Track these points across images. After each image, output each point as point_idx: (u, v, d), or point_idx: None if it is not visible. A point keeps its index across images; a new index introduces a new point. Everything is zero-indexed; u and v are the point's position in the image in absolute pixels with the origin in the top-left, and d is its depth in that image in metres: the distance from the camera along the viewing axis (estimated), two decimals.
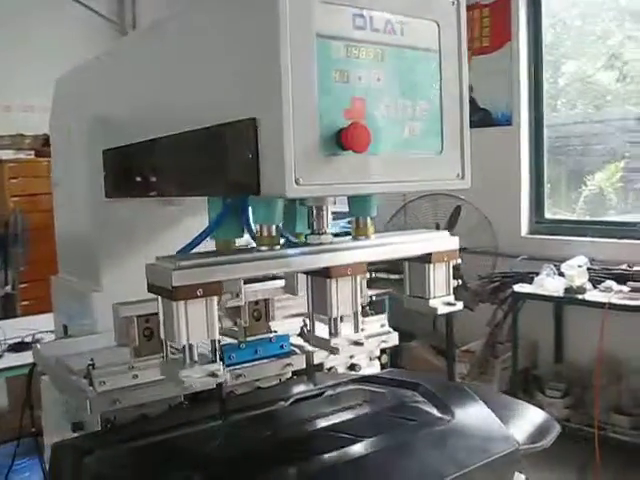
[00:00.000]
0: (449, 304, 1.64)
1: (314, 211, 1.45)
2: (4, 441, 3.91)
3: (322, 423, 1.53)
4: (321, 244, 1.44)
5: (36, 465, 3.84)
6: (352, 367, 1.92)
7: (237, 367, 1.69)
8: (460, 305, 1.68)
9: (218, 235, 1.52)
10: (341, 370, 1.93)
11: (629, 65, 5.31)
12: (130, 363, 1.59)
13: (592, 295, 4.28)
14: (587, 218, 5.45)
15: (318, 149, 1.19)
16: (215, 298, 1.30)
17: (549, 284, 4.38)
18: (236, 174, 1.26)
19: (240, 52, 1.23)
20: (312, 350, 1.82)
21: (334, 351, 1.49)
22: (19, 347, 3.51)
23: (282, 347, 1.79)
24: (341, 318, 1.49)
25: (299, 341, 1.84)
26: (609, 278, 4.36)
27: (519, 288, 4.54)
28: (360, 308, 1.50)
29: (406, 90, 1.33)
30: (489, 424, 1.50)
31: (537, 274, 4.52)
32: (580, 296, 4.30)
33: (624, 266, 4.48)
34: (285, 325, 1.88)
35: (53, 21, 7.13)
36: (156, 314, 1.57)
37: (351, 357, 1.92)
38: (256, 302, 1.75)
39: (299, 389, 1.77)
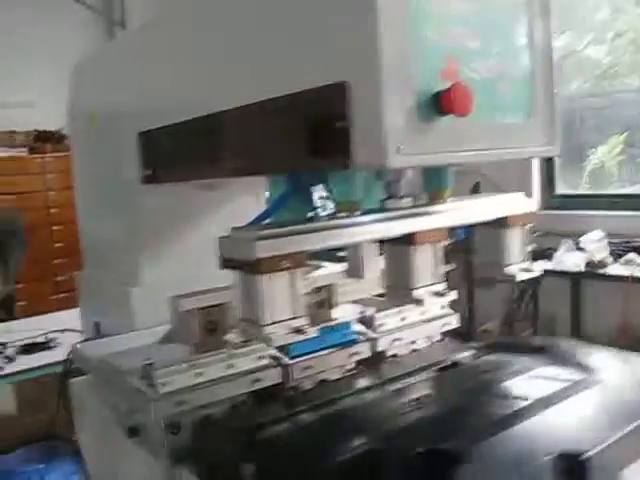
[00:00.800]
0: (526, 270, 1.57)
1: (391, 175, 1.35)
2: (17, 445, 3.81)
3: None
4: (400, 209, 1.34)
5: (52, 470, 3.73)
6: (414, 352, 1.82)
7: (301, 359, 1.57)
8: (540, 269, 1.59)
9: (282, 217, 1.41)
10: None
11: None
12: (191, 360, 1.46)
13: (614, 269, 4.18)
14: (600, 192, 5.35)
15: (416, 114, 1.07)
16: (300, 271, 1.19)
17: (569, 259, 4.26)
18: (324, 146, 1.11)
19: (325, 10, 1.12)
20: (376, 336, 1.71)
21: (418, 302, 1.39)
22: (31, 348, 3.36)
23: (345, 335, 1.68)
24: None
25: (359, 327, 1.75)
26: (630, 251, 4.26)
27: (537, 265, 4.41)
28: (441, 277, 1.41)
29: (499, 50, 1.22)
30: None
31: (555, 250, 4.42)
32: (601, 270, 4.20)
33: None
34: (339, 311, 1.77)
35: (41, 15, 6.92)
36: (219, 305, 1.48)
37: (413, 342, 1.82)
38: (318, 289, 1.64)
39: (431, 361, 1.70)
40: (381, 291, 1.85)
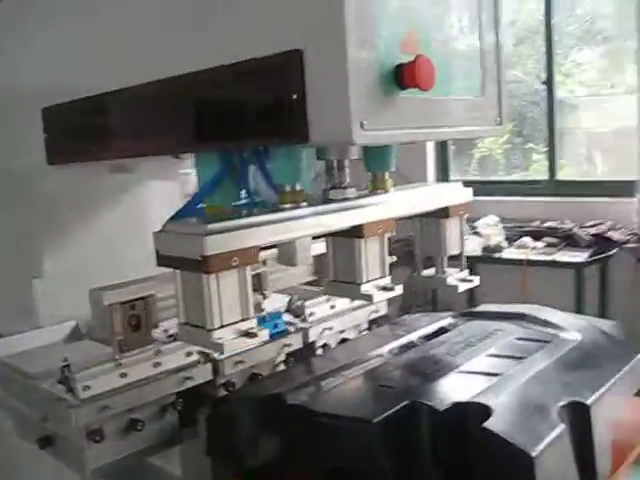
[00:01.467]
0: (465, 280, 1.60)
1: (334, 163, 1.26)
2: None
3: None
4: (346, 199, 1.26)
5: None
6: (343, 342, 1.78)
7: (231, 353, 1.46)
8: (477, 280, 1.63)
9: (213, 201, 1.29)
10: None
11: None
12: (115, 360, 1.33)
13: (509, 252, 4.29)
14: (493, 178, 5.54)
15: (378, 87, 0.99)
16: (249, 268, 1.09)
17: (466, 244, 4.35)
18: (278, 119, 1.01)
19: None
20: (306, 327, 1.66)
21: (367, 298, 1.32)
22: None
23: (276, 326, 1.59)
24: None
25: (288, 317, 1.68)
26: (523, 235, 4.37)
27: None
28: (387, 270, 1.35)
29: (453, 26, 1.17)
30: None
31: None
32: (497, 254, 4.34)
33: (536, 223, 4.56)
34: (268, 301, 1.67)
35: None
36: (143, 299, 1.35)
37: (341, 332, 1.76)
38: None
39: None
40: (311, 279, 1.77)
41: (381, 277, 1.33)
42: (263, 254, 1.56)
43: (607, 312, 4.32)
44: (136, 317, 1.34)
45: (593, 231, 4.21)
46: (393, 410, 1.16)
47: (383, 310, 1.87)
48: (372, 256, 1.29)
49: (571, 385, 1.26)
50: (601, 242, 4.13)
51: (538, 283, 4.16)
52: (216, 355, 1.47)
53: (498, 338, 1.54)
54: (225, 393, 1.50)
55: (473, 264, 4.59)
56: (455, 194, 1.49)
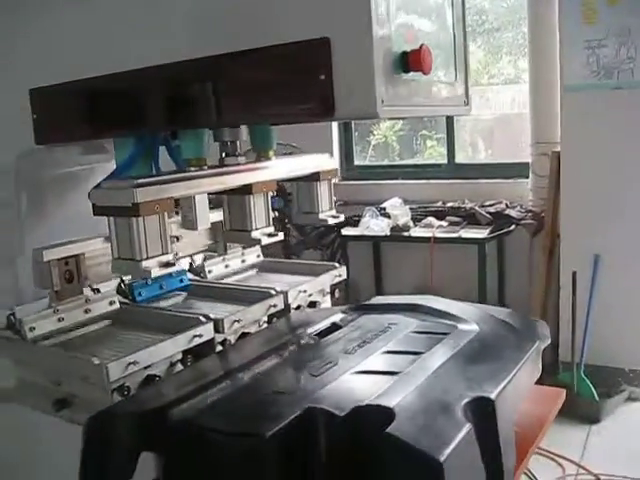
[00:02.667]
0: (334, 217, 1.92)
1: (228, 136, 1.63)
2: None
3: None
4: (238, 164, 1.64)
5: None
6: (313, 304, 2.01)
7: (227, 314, 1.70)
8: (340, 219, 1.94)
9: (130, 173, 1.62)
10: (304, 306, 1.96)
11: None
12: (51, 307, 1.69)
13: (417, 231, 4.59)
14: (396, 162, 5.89)
15: (391, 70, 1.19)
16: (166, 214, 1.45)
17: (375, 225, 4.65)
18: (306, 97, 1.21)
19: None
20: (286, 290, 1.88)
21: (254, 242, 1.68)
22: None
23: (181, 281, 1.97)
24: None
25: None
26: (428, 215, 4.67)
27: (345, 231, 4.80)
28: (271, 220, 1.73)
29: (433, 21, 1.42)
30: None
31: (360, 217, 4.77)
32: (406, 233, 4.59)
33: (439, 203, 4.82)
34: None
35: None
36: (75, 256, 1.71)
37: (310, 295, 1.99)
38: None
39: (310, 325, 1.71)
40: (209, 243, 2.11)
41: (266, 226, 1.70)
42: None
43: (505, 283, 4.76)
44: (70, 272, 1.70)
45: (492, 210, 4.56)
46: (288, 420, 1.12)
47: (344, 275, 2.12)
48: (259, 209, 1.67)
49: (473, 380, 1.25)
50: (499, 220, 4.47)
51: (444, 259, 4.55)
52: (212, 315, 1.67)
53: (394, 332, 1.55)
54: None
55: (376, 244, 5.05)
56: (324, 163, 1.87)
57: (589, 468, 3.27)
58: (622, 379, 4.03)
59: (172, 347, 1.53)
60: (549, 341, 1.64)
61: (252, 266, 2.26)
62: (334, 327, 1.66)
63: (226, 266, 2.16)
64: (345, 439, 1.10)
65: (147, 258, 1.41)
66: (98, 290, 1.80)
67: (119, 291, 1.85)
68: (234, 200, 1.68)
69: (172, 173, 1.55)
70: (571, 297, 3.96)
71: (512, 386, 1.26)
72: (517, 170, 4.74)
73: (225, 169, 1.60)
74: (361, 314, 1.73)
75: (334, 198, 1.93)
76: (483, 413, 1.15)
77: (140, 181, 1.39)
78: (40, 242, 1.69)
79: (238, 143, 1.65)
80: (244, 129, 1.61)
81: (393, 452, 1.04)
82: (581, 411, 3.70)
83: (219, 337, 1.65)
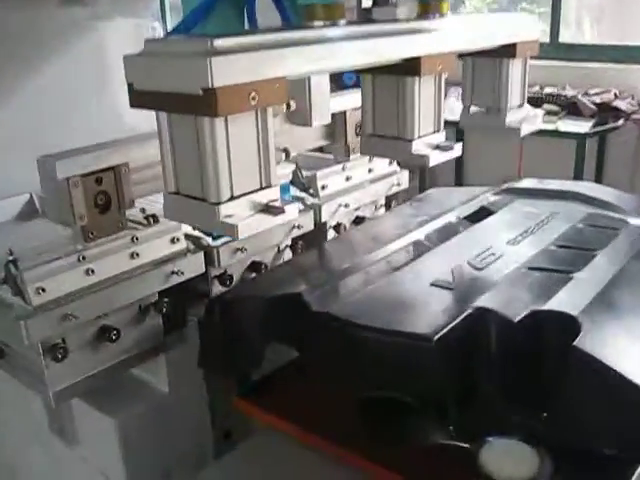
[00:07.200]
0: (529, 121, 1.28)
1: None
2: None
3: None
4: (395, 21, 0.94)
5: None
6: (358, 220, 1.53)
7: (230, 240, 1.22)
8: (539, 122, 1.34)
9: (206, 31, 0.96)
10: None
11: None
12: (78, 251, 1.02)
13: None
14: None
15: None
16: (271, 112, 0.78)
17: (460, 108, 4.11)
18: None
19: None
20: (318, 203, 1.40)
21: (422, 159, 1.02)
22: None
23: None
24: None
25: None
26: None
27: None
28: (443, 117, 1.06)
29: None
30: None
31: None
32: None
33: (536, 88, 4.22)
34: None
35: None
36: (112, 169, 1.03)
37: (356, 209, 1.51)
38: None
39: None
40: (321, 144, 1.45)
41: (435, 132, 1.03)
42: None
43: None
44: (104, 194, 1.02)
45: (597, 100, 3.96)
46: (456, 322, 0.94)
47: (404, 183, 1.60)
48: (427, 103, 0.98)
49: None
50: (605, 112, 3.86)
51: (535, 153, 4.00)
52: (209, 240, 1.19)
53: (559, 223, 1.32)
54: (221, 289, 1.24)
55: (460, 130, 4.46)
56: (521, 28, 1.18)
57: None
58: None
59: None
60: None
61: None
62: (484, 211, 1.42)
63: (347, 178, 1.47)
64: (519, 349, 0.94)
65: (232, 198, 0.77)
66: (155, 218, 1.11)
67: None
68: (384, 83, 0.98)
69: (275, 31, 0.84)
70: None
71: None
72: (631, 54, 4.13)
73: (371, 27, 0.90)
74: (513, 198, 1.48)
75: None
76: None
77: (221, 42, 0.71)
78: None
79: None
80: None
81: (580, 370, 0.86)
82: None
83: None
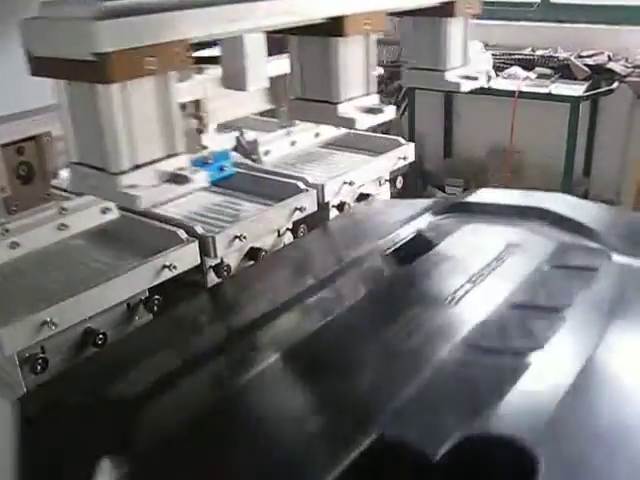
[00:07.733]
0: (469, 78, 1.24)
1: None
2: None
3: None
4: None
5: None
6: (362, 198, 1.41)
7: (227, 225, 1.13)
8: (483, 80, 1.32)
9: None
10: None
11: None
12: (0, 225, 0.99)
13: (498, 83, 3.97)
14: None
15: None
16: (174, 75, 0.75)
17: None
18: None
19: None
20: (319, 183, 1.24)
21: (348, 122, 0.99)
22: None
23: (222, 169, 1.26)
24: None
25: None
26: (513, 64, 4.07)
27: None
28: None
29: None
30: None
31: None
32: (485, 84, 3.95)
33: (527, 50, 4.23)
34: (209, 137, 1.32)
35: None
36: (35, 138, 1.00)
37: (360, 186, 1.38)
38: (182, 105, 1.16)
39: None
40: (265, 108, 1.40)
41: (365, 95, 1.00)
42: (200, 77, 1.20)
43: (594, 153, 4.19)
44: (26, 164, 0.99)
45: (591, 62, 3.90)
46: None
47: (411, 157, 1.45)
48: (355, 64, 0.96)
49: None
50: (599, 74, 3.81)
51: (528, 118, 3.95)
52: (199, 229, 1.08)
53: (517, 262, 1.04)
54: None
55: (448, 96, 4.38)
56: None
57: None
58: None
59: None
60: None
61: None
62: (419, 242, 1.10)
63: (292, 143, 1.41)
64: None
65: (136, 167, 0.75)
66: None
67: None
68: (310, 45, 0.96)
69: None
70: None
71: None
72: (625, 14, 4.04)
73: None
74: (461, 220, 1.18)
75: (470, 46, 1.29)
76: None
77: (111, 3, 0.68)
78: None
79: None
80: None
81: None
82: None
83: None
